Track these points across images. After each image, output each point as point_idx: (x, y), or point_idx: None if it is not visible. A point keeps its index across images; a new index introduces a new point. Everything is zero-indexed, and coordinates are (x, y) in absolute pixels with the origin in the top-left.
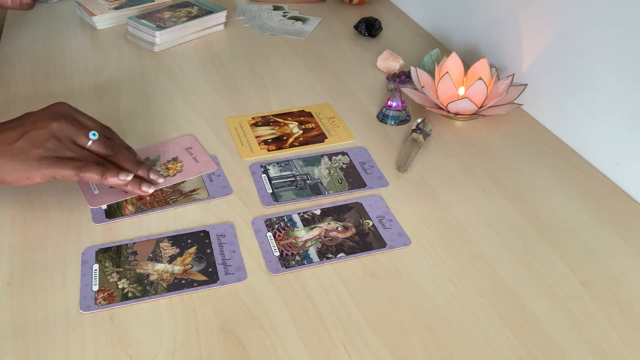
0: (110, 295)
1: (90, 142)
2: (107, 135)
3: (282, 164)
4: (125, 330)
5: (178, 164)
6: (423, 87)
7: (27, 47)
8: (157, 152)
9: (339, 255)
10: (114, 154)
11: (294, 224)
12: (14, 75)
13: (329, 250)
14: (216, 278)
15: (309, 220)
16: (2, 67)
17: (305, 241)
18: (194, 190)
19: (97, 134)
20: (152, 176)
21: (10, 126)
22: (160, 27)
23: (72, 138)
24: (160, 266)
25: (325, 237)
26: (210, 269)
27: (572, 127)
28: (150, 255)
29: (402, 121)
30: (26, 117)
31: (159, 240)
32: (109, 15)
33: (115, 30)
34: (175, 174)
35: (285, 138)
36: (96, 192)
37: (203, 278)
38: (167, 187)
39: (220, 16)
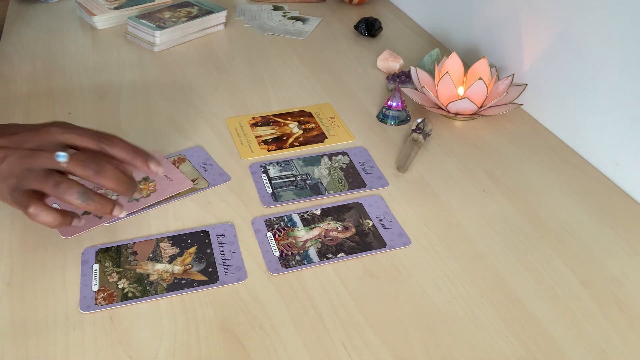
0: (110, 295)
1: (63, 165)
2: (101, 147)
3: (282, 164)
4: (125, 330)
5: (150, 184)
6: (423, 87)
7: (27, 47)
8: None
9: (339, 255)
10: (92, 175)
11: (294, 224)
12: (14, 74)
13: (329, 250)
14: (216, 278)
15: (309, 220)
16: (2, 66)
17: (305, 241)
18: (193, 180)
19: (63, 155)
20: (152, 167)
21: None
22: (160, 27)
23: (44, 166)
24: (160, 266)
25: (325, 237)
26: (210, 269)
27: (572, 127)
28: (150, 255)
29: (402, 121)
30: (13, 135)
31: (159, 240)
32: (109, 15)
33: (115, 30)
34: (149, 194)
35: (285, 138)
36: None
37: (203, 278)
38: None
39: (220, 16)
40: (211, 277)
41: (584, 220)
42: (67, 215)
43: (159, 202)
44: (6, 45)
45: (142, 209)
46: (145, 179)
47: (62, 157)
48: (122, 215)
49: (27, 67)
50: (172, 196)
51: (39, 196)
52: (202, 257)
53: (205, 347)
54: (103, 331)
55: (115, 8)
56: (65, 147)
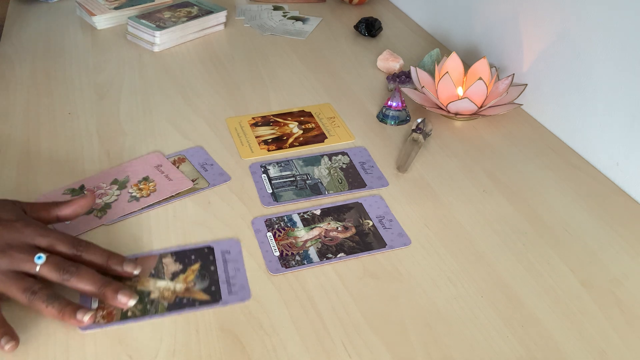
0: (109, 314)
1: (38, 268)
2: (74, 252)
3: (282, 164)
4: (126, 330)
5: (150, 184)
6: (423, 87)
7: (27, 47)
8: (125, 173)
9: (339, 255)
10: (67, 279)
11: (294, 224)
12: (14, 75)
13: (329, 250)
14: (219, 298)
15: (309, 220)
16: (2, 67)
17: (305, 241)
18: (193, 180)
19: (43, 257)
20: (128, 269)
21: None
22: (160, 27)
23: (12, 268)
24: (162, 283)
25: (325, 237)
26: (213, 288)
27: (572, 127)
28: (152, 271)
29: (402, 121)
30: None
31: (162, 256)
32: (109, 15)
33: (115, 30)
34: (149, 194)
35: (285, 138)
36: (67, 222)
37: (205, 297)
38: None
39: (220, 16)
40: (214, 296)
41: (584, 220)
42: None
43: (159, 202)
44: (6, 46)
45: (142, 208)
46: (145, 179)
47: (41, 259)
48: (130, 303)
49: (27, 67)
50: (172, 196)
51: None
52: (205, 275)
53: (205, 347)
54: (103, 331)
55: (115, 8)
56: (37, 248)
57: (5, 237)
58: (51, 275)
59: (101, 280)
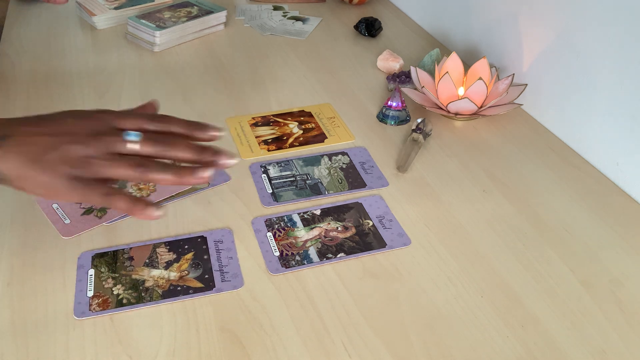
0: (104, 302)
1: (138, 146)
2: (158, 126)
3: (282, 164)
4: (125, 330)
5: (150, 184)
6: (423, 87)
7: (27, 47)
8: None
9: (339, 255)
10: (166, 150)
11: (294, 224)
12: (14, 75)
13: (329, 250)
14: (212, 285)
15: (309, 220)
16: (2, 67)
17: (305, 241)
18: None
19: (131, 134)
20: (211, 133)
21: (46, 130)
22: (160, 27)
23: (110, 151)
24: (156, 272)
25: (325, 237)
26: (206, 276)
27: (572, 127)
28: (147, 260)
29: (402, 121)
30: (64, 122)
31: (155, 246)
32: (109, 15)
33: (115, 30)
34: (149, 194)
35: (285, 138)
36: (67, 221)
37: (199, 285)
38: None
39: (220, 16)
40: (207, 284)
41: (584, 220)
42: (141, 200)
43: (159, 202)
44: (6, 46)
45: None
46: None
47: (134, 136)
48: (207, 175)
49: (27, 67)
50: (172, 196)
51: (104, 182)
52: (198, 264)
53: (205, 347)
54: (103, 331)
55: (115, 8)
56: (121, 131)
57: (90, 127)
58: (150, 150)
59: (196, 146)
